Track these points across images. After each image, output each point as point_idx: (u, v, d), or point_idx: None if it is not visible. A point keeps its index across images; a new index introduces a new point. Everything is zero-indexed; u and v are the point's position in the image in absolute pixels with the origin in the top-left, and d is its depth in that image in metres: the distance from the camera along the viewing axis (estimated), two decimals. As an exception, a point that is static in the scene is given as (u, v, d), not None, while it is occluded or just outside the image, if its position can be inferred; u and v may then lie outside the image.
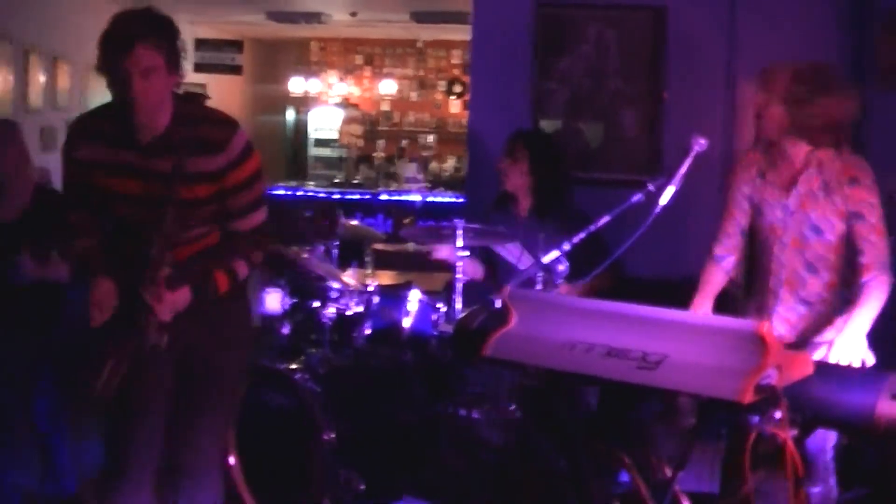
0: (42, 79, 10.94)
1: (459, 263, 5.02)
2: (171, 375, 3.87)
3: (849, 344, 4.01)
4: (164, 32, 3.60)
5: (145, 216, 3.68)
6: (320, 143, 17.48)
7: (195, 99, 3.88)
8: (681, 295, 4.51)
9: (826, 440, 4.21)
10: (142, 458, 3.89)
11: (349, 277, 5.58)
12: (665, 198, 3.97)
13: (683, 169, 4.03)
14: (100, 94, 12.10)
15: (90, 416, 3.97)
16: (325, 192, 13.62)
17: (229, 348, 3.99)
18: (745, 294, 4.65)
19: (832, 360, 3.97)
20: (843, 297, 4.28)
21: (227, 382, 4.03)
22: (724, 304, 4.53)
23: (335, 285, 5.42)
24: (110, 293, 3.63)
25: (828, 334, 4.19)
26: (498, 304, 3.90)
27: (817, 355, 4.00)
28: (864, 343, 4.06)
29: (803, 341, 4.24)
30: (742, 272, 4.75)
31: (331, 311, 5.39)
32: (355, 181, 14.73)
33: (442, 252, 5.47)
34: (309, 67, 17.53)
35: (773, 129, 4.26)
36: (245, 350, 4.15)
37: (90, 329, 3.65)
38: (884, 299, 4.09)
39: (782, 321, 4.34)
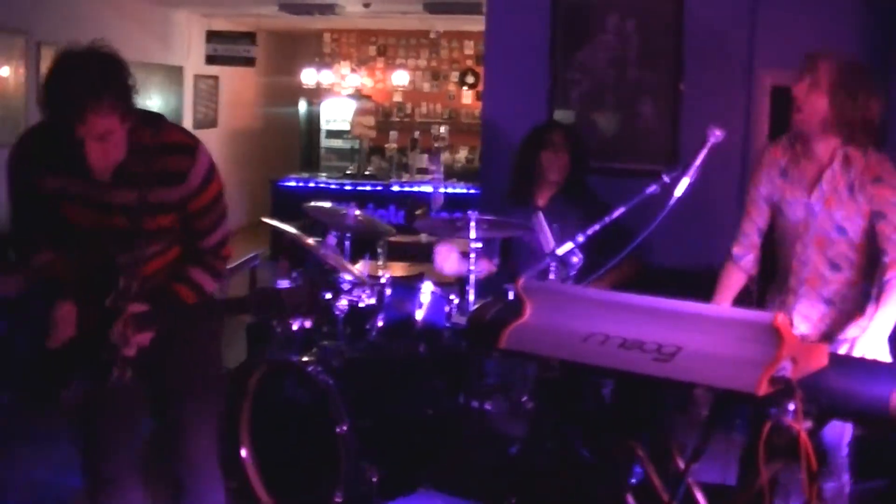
0: (55, 71, 10.93)
1: (472, 255, 5.01)
2: (141, 389, 3.77)
3: (871, 343, 3.98)
4: (115, 85, 3.37)
5: (103, 243, 3.58)
6: (332, 134, 17.45)
7: (151, 122, 3.60)
8: (704, 285, 4.50)
9: (842, 436, 4.19)
10: (123, 463, 3.87)
11: (361, 269, 5.57)
12: (680, 189, 3.95)
13: (699, 160, 4.00)
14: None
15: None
16: (338, 184, 13.62)
17: (198, 351, 3.91)
18: (762, 289, 4.63)
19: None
20: (866, 293, 4.25)
21: (205, 386, 3.96)
22: (740, 298, 4.51)
23: (348, 277, 5.42)
24: (70, 317, 3.53)
25: (850, 331, 4.16)
26: (512, 295, 3.88)
27: (840, 352, 3.98)
28: (885, 343, 4.04)
29: (825, 339, 4.22)
30: (758, 269, 4.75)
31: (343, 303, 5.39)
32: (367, 172, 14.73)
33: (445, 260, 5.45)
34: (322, 59, 17.52)
35: (814, 122, 4.19)
36: (214, 346, 4.04)
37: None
38: None
39: (803, 318, 4.31)
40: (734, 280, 4.49)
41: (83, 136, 3.27)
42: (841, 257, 4.26)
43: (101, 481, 3.84)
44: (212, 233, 3.75)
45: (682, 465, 3.55)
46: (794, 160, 4.32)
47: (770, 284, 4.59)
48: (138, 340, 3.51)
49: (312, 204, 6.27)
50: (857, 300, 4.27)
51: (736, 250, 4.49)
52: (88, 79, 3.29)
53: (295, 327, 4.92)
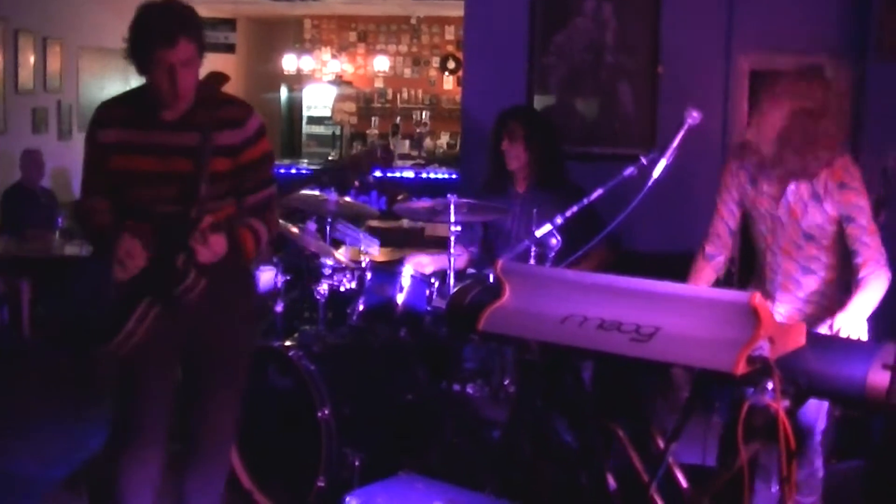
0: (33, 59, 10.91)
1: (451, 238, 5.02)
2: (181, 346, 3.98)
3: (849, 323, 4.00)
4: (196, 24, 3.85)
5: (165, 194, 3.83)
6: (314, 120, 17.44)
7: (215, 81, 3.97)
8: (683, 268, 4.52)
9: (816, 421, 4.20)
10: (154, 417, 4.00)
11: (342, 254, 5.58)
12: (657, 171, 3.96)
13: (676, 142, 4.01)
14: (91, 74, 12.18)
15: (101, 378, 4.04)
16: (319, 170, 13.61)
17: (238, 322, 4.10)
18: (743, 275, 4.66)
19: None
20: (842, 287, 4.28)
21: (237, 356, 4.13)
22: (721, 282, 4.54)
23: (329, 262, 5.42)
24: (136, 249, 3.71)
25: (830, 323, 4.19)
26: (491, 278, 3.89)
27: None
28: (864, 327, 4.05)
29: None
30: (735, 270, 4.78)
31: (324, 287, 5.39)
32: (349, 159, 14.70)
33: (421, 267, 5.46)
34: (302, 45, 17.49)
35: (769, 149, 4.20)
36: (253, 323, 4.30)
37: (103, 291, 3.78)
38: (883, 290, 4.06)
39: (785, 319, 4.33)
40: (705, 276, 4.50)
41: (173, 62, 3.70)
42: (811, 260, 4.29)
43: (130, 432, 3.99)
44: (261, 191, 4.00)
45: (662, 446, 3.56)
46: (761, 169, 4.32)
47: (750, 279, 4.62)
48: (216, 242, 3.72)
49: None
50: (834, 295, 4.30)
51: (708, 249, 4.49)
52: (176, 12, 3.81)
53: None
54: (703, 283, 4.48)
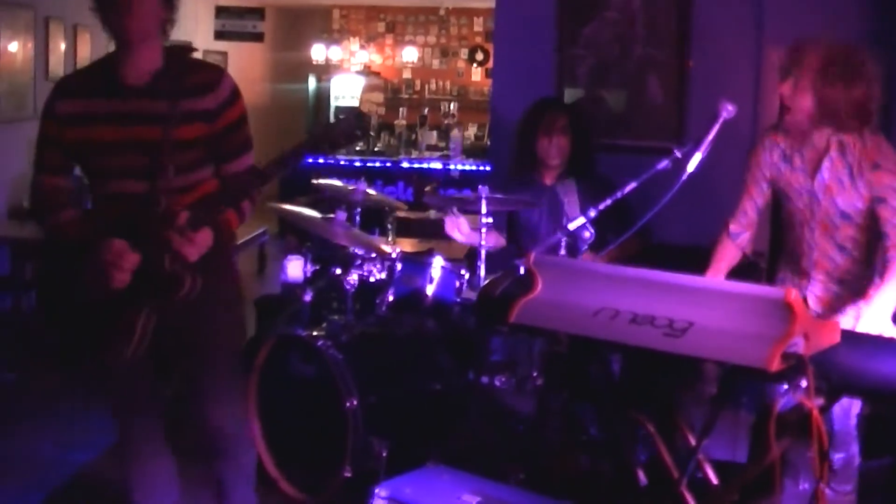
0: (62, 46, 10.94)
1: (483, 230, 5.00)
2: (163, 341, 3.80)
3: (875, 317, 3.98)
4: None
5: (130, 164, 3.68)
6: (341, 110, 17.45)
7: (182, 50, 3.92)
8: (707, 261, 4.51)
9: (850, 407, 4.20)
10: (149, 427, 3.99)
11: (378, 243, 5.57)
12: (692, 165, 3.93)
13: (711, 135, 3.99)
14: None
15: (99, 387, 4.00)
16: (347, 160, 13.60)
17: (222, 306, 3.98)
18: (771, 267, 4.63)
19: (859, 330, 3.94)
20: (874, 270, 4.27)
21: (227, 340, 4.03)
22: (749, 275, 4.51)
23: (358, 252, 5.41)
24: (125, 251, 3.57)
25: (854, 311, 4.17)
26: (523, 270, 3.87)
27: (843, 323, 3.98)
28: (890, 320, 4.03)
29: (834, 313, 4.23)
30: (765, 253, 4.74)
31: (353, 278, 5.39)
32: (377, 149, 14.70)
33: (455, 229, 5.42)
34: (331, 35, 17.49)
35: (803, 120, 4.20)
36: (237, 304, 4.16)
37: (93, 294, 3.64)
38: None
39: (816, 300, 4.34)
40: (729, 255, 4.50)
41: None
42: (847, 240, 4.28)
43: (129, 444, 3.98)
44: (240, 156, 3.86)
45: (691, 441, 3.54)
46: (794, 147, 4.31)
47: (780, 263, 4.60)
48: (201, 240, 3.61)
49: (321, 181, 6.27)
50: (866, 275, 4.28)
51: (733, 227, 4.50)
52: None
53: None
54: (726, 262, 4.51)
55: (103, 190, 3.78)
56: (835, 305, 4.30)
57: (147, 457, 3.98)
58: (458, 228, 5.34)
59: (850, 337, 3.25)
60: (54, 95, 3.79)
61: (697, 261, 4.42)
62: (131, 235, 3.59)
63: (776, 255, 4.74)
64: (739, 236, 4.49)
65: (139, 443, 3.98)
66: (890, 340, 3.66)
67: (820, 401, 3.08)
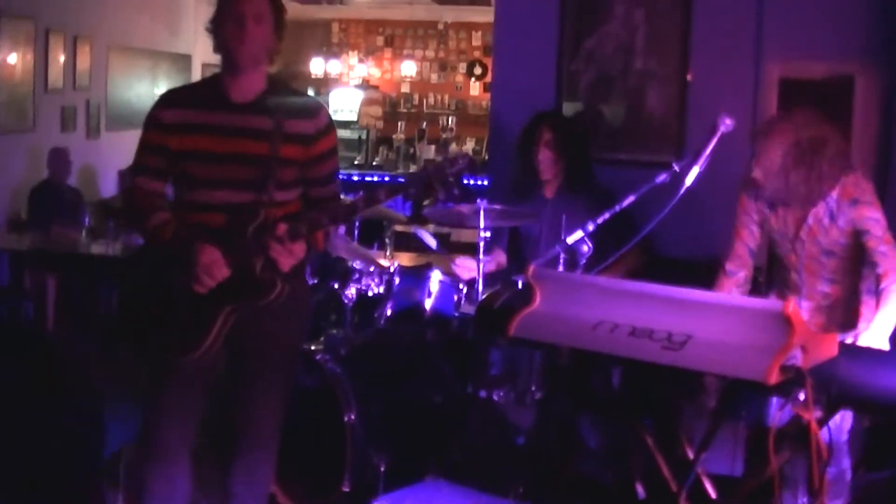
0: (62, 58, 10.96)
1: (482, 244, 5.00)
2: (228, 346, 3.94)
3: (873, 340, 4.02)
4: (278, 4, 3.95)
5: (230, 175, 3.84)
6: (340, 124, 17.38)
7: (285, 77, 4.04)
8: (706, 274, 4.53)
9: (842, 421, 4.21)
10: (182, 431, 3.99)
11: (377, 256, 5.58)
12: (690, 178, 3.95)
13: (709, 149, 4.01)
14: (119, 73, 12.21)
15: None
16: (345, 174, 13.59)
17: (293, 317, 4.07)
18: (769, 281, 4.70)
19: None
20: (863, 295, 4.36)
21: (289, 350, 4.14)
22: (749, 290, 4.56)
23: (356, 265, 5.41)
24: (218, 259, 3.73)
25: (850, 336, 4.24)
26: (521, 283, 3.88)
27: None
28: (887, 344, 4.08)
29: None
30: (762, 266, 4.80)
31: (352, 291, 5.39)
32: (375, 163, 14.70)
33: (466, 271, 5.44)
34: (330, 48, 17.51)
35: (780, 196, 4.39)
36: (303, 321, 4.27)
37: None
38: None
39: (811, 325, 4.38)
40: (727, 291, 4.56)
41: (245, 11, 3.79)
42: (834, 272, 4.41)
43: (155, 447, 3.98)
44: (327, 184, 4.03)
45: (690, 453, 3.55)
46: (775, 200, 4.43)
47: (772, 292, 4.67)
48: (296, 250, 3.76)
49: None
50: (854, 300, 4.42)
51: (729, 267, 4.59)
52: None
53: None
54: None
55: (198, 198, 3.90)
56: (827, 327, 4.38)
57: (173, 459, 3.99)
58: (468, 269, 5.38)
59: (848, 350, 3.26)
60: (160, 105, 3.97)
61: (696, 274, 4.44)
62: (225, 240, 3.76)
63: (772, 270, 4.79)
64: (735, 275, 4.58)
65: (170, 444, 3.98)
66: (886, 353, 3.68)
67: (818, 413, 3.09)
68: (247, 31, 3.79)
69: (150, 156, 3.97)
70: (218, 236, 3.77)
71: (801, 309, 4.41)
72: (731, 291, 4.55)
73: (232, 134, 3.85)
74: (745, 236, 4.55)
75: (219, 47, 3.89)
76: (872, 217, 4.24)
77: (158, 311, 3.85)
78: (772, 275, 4.88)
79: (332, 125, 4.05)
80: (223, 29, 3.83)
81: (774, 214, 4.46)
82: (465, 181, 3.84)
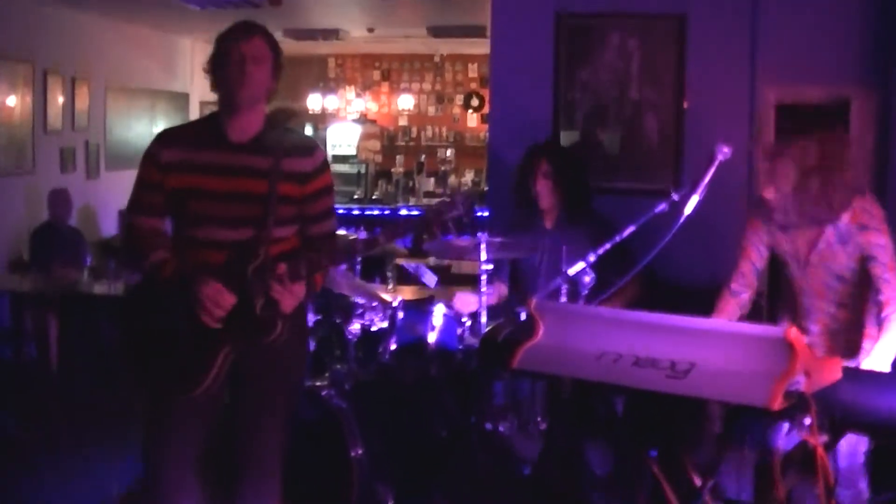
0: (61, 99, 11.00)
1: (484, 277, 5.02)
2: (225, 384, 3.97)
3: (874, 367, 4.04)
4: (276, 46, 4.01)
5: (228, 214, 3.88)
6: (339, 159, 17.45)
7: (282, 114, 4.09)
8: (711, 301, 4.54)
9: (858, 444, 4.22)
10: (185, 465, 4.00)
11: (379, 290, 5.59)
12: (689, 207, 3.97)
13: (707, 177, 4.03)
14: (117, 113, 12.25)
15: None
16: (345, 209, 13.62)
17: (288, 355, 4.09)
18: (772, 307, 4.71)
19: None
20: (868, 320, 4.39)
21: (290, 384, 4.17)
22: (751, 315, 4.57)
23: (359, 301, 5.43)
24: (222, 291, 3.77)
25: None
26: (524, 315, 3.89)
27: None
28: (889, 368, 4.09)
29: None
30: (764, 291, 4.81)
31: (355, 326, 5.40)
32: (375, 197, 14.73)
33: (465, 304, 5.46)
34: (326, 84, 17.56)
35: (793, 220, 4.39)
36: (302, 357, 4.33)
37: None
38: None
39: (819, 349, 4.43)
40: (729, 311, 4.62)
41: (245, 53, 3.85)
42: (843, 296, 4.43)
43: (161, 486, 4.00)
44: (324, 221, 4.09)
45: (696, 480, 3.55)
46: (791, 222, 4.45)
47: (779, 316, 4.68)
48: (297, 291, 3.83)
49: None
50: (859, 324, 4.43)
51: (734, 286, 4.60)
52: (260, 25, 3.98)
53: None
54: (726, 317, 4.56)
55: (198, 235, 3.94)
56: (832, 349, 4.40)
57: (180, 495, 4.01)
58: (468, 304, 5.40)
59: (851, 373, 3.27)
60: (158, 144, 4.00)
61: (697, 301, 4.45)
62: (225, 278, 3.79)
63: (776, 295, 4.80)
64: (739, 295, 4.59)
65: (175, 481, 4.00)
66: (889, 376, 3.69)
67: (824, 438, 3.09)
68: (247, 74, 3.85)
69: (148, 194, 4.00)
70: (218, 274, 3.80)
71: (809, 332, 4.44)
72: (735, 312, 4.57)
73: (231, 173, 3.89)
74: (753, 256, 4.57)
75: (217, 87, 3.94)
76: (879, 243, 4.27)
77: (159, 348, 3.87)
78: (774, 300, 4.89)
79: (327, 164, 4.11)
80: (223, 70, 3.88)
81: (786, 237, 4.48)
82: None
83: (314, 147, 4.10)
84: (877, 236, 4.28)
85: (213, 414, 4.00)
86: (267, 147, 3.92)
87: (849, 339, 4.41)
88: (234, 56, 3.85)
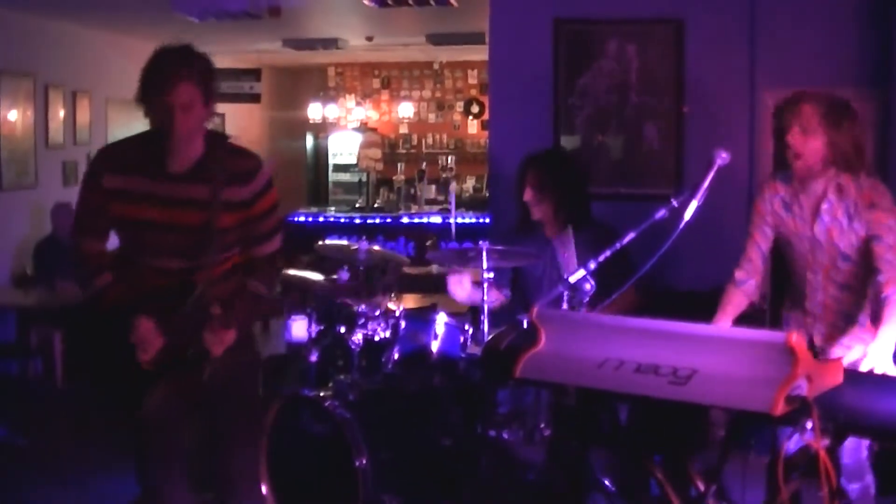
0: (62, 113, 11.03)
1: (485, 285, 5.02)
2: (195, 401, 4.04)
3: (878, 357, 4.03)
4: (202, 70, 3.88)
5: (168, 244, 3.90)
6: (340, 168, 17.53)
7: (222, 137, 4.12)
8: (708, 306, 4.55)
9: (860, 439, 4.22)
10: (175, 479, 4.08)
11: (378, 301, 5.59)
12: (689, 213, 3.97)
13: (706, 183, 4.04)
14: (120, 126, 12.28)
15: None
16: (347, 218, 13.63)
17: (244, 369, 4.20)
18: (774, 310, 4.71)
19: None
20: (869, 301, 4.38)
21: (247, 400, 4.27)
22: (753, 318, 4.56)
23: (361, 310, 5.43)
24: (152, 331, 3.80)
25: (853, 348, 4.24)
26: (526, 324, 3.90)
27: (849, 357, 4.07)
28: (892, 359, 4.09)
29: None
30: (766, 294, 4.81)
31: (358, 336, 5.41)
32: (376, 205, 14.77)
33: (458, 285, 5.46)
34: (327, 93, 17.59)
35: (815, 164, 4.36)
36: (257, 367, 4.45)
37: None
38: None
39: (822, 337, 4.48)
40: (736, 302, 4.60)
41: (172, 103, 3.75)
42: (850, 278, 4.42)
43: (152, 489, 4.07)
44: (268, 241, 4.11)
45: (700, 486, 3.56)
46: (794, 195, 4.48)
47: (784, 305, 4.68)
48: (227, 338, 3.87)
49: (324, 242, 6.32)
50: (863, 306, 4.43)
51: (738, 275, 4.60)
52: (182, 56, 3.85)
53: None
54: (733, 309, 4.59)
55: (140, 261, 3.99)
56: (834, 336, 4.43)
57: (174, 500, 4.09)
58: (461, 285, 5.38)
59: (853, 376, 3.28)
60: (99, 167, 3.98)
61: (699, 306, 4.46)
62: (163, 310, 3.83)
63: (778, 297, 4.81)
64: (745, 283, 4.58)
65: (167, 490, 4.07)
66: (891, 378, 3.69)
67: (826, 441, 3.10)
68: (175, 121, 3.78)
69: (91, 217, 4.03)
70: (159, 301, 3.85)
71: (812, 315, 4.50)
72: (742, 303, 4.58)
73: (171, 204, 3.88)
74: (759, 238, 4.59)
75: (148, 116, 3.90)
76: (887, 223, 4.27)
77: (104, 369, 3.97)
78: (777, 303, 4.89)
79: (270, 184, 4.07)
80: (152, 115, 3.85)
81: (790, 214, 4.48)
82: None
83: (255, 170, 4.04)
84: (885, 216, 4.28)
85: (182, 427, 4.07)
86: (206, 175, 3.90)
87: (848, 323, 4.43)
88: (160, 107, 3.80)
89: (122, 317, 3.82)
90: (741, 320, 4.51)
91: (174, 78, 3.76)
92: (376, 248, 5.94)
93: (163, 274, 3.91)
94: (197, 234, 3.86)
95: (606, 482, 4.30)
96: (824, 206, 4.36)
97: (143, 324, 3.79)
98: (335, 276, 5.49)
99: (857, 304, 4.43)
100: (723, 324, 4.48)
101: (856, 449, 4.28)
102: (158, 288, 3.90)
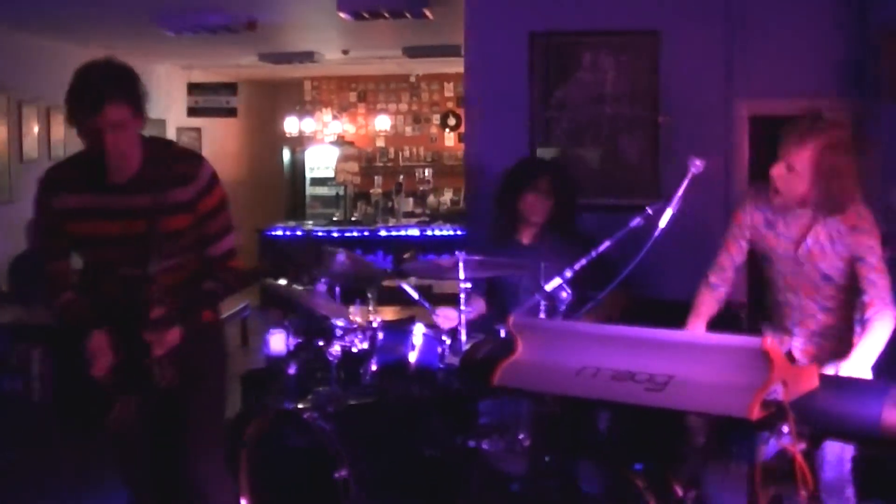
0: (36, 129, 11.00)
1: (462, 295, 5.03)
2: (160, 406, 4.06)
3: (854, 370, 4.05)
4: (128, 85, 3.81)
5: (125, 255, 3.90)
6: (317, 181, 17.51)
7: (160, 142, 4.16)
8: (687, 315, 4.55)
9: (843, 452, 4.23)
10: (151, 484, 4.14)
11: (354, 315, 5.59)
12: (664, 221, 3.99)
13: (681, 191, 4.05)
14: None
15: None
16: (324, 231, 13.62)
17: (208, 371, 4.22)
18: (752, 318, 4.71)
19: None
20: (856, 325, 4.38)
21: (210, 402, 4.25)
22: (730, 327, 4.58)
23: (339, 323, 5.43)
24: (104, 344, 3.82)
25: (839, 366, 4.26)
26: (503, 333, 3.91)
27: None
28: (869, 373, 4.10)
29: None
30: (745, 311, 4.81)
31: (336, 349, 5.40)
32: (354, 218, 14.76)
33: (446, 320, 5.47)
34: (303, 107, 17.59)
35: (791, 204, 4.33)
36: (222, 370, 4.39)
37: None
38: (890, 330, 4.14)
39: (801, 353, 4.48)
40: (709, 304, 4.59)
41: (101, 125, 3.69)
42: (829, 299, 4.41)
43: (138, 491, 4.15)
44: (221, 239, 4.11)
45: (681, 493, 3.57)
46: (778, 214, 4.43)
47: (763, 321, 4.69)
48: (168, 339, 3.84)
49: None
50: (847, 330, 4.41)
51: (712, 279, 4.59)
52: (105, 74, 3.77)
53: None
54: (706, 310, 4.57)
55: (101, 274, 4.01)
56: (818, 357, 4.39)
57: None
58: (447, 319, 5.40)
59: (828, 381, 3.29)
60: (47, 191, 3.97)
61: (677, 314, 4.47)
62: (119, 323, 3.85)
63: (755, 310, 4.81)
64: (718, 288, 4.57)
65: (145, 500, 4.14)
66: (866, 381, 3.71)
67: (803, 445, 3.11)
68: (108, 141, 3.74)
69: (50, 239, 4.05)
70: (115, 314, 3.87)
71: (793, 335, 4.47)
72: (712, 307, 4.56)
73: (119, 216, 3.89)
74: (733, 250, 4.55)
75: (85, 144, 3.87)
76: (869, 244, 4.25)
77: (68, 385, 4.01)
78: (754, 312, 4.90)
79: (213, 180, 4.04)
80: (82, 135, 3.80)
81: (772, 231, 4.45)
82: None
83: (196, 170, 4.00)
84: (868, 238, 4.26)
85: (149, 436, 4.11)
86: (146, 184, 3.90)
87: (833, 347, 4.38)
88: (89, 129, 3.75)
89: (83, 332, 3.85)
90: (716, 325, 4.52)
91: (101, 99, 3.70)
92: (354, 259, 5.93)
93: (123, 285, 3.91)
94: (144, 243, 3.88)
95: (589, 491, 4.31)
96: (810, 233, 4.34)
97: (96, 338, 3.82)
98: (312, 288, 5.47)
99: (835, 327, 4.42)
100: (697, 327, 4.49)
101: (839, 463, 4.28)
102: (120, 300, 3.91)
